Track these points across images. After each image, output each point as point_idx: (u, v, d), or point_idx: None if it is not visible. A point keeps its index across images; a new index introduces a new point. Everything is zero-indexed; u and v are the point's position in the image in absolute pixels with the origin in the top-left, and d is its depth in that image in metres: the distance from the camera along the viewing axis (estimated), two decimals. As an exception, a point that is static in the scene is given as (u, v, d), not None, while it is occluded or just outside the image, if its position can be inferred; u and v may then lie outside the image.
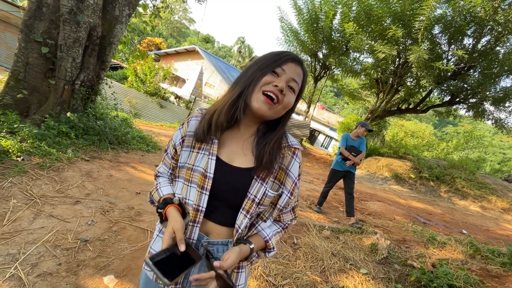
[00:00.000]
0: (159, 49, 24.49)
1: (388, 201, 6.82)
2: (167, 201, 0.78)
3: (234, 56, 45.75)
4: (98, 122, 4.08)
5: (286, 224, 0.89)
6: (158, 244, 0.82)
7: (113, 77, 14.07)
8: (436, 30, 9.43)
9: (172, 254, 0.67)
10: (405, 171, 10.59)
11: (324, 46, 13.15)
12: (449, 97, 11.11)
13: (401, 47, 9.85)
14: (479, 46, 9.21)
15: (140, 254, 2.01)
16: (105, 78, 4.36)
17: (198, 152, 0.77)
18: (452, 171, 10.56)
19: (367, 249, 2.98)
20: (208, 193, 0.73)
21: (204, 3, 7.26)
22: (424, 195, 9.58)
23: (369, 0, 9.72)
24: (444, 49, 9.86)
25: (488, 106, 10.61)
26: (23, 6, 3.65)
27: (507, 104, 10.17)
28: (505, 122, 10.67)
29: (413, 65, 8.90)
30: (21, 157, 2.71)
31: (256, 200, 0.74)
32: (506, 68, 8.79)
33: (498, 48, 8.93)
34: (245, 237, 0.80)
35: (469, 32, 8.96)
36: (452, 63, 9.38)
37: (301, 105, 18.79)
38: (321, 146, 24.88)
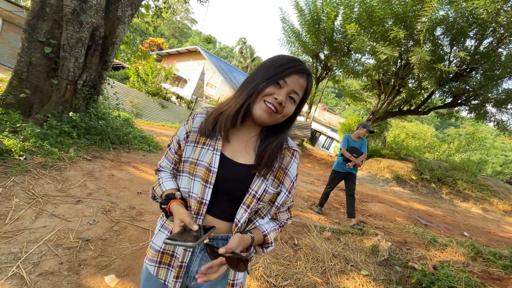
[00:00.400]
0: (161, 49, 24.56)
1: (389, 203, 6.79)
2: (169, 197, 0.80)
3: (235, 57, 45.84)
4: (100, 122, 4.10)
5: (282, 223, 0.93)
6: (159, 239, 0.84)
7: (115, 77, 14.08)
8: (438, 31, 9.42)
9: (185, 231, 0.69)
10: (406, 172, 10.55)
11: (325, 47, 13.12)
12: (451, 99, 11.08)
13: (403, 49, 9.83)
14: (481, 47, 9.18)
15: (141, 253, 2.01)
16: (107, 78, 4.38)
17: (203, 147, 0.80)
18: (454, 173, 10.50)
19: (368, 251, 2.97)
20: (212, 186, 0.76)
21: (206, 4, 7.27)
22: (426, 197, 9.55)
23: (371, 1, 9.71)
24: (446, 50, 9.83)
25: (490, 108, 10.57)
26: (26, 6, 3.68)
27: (509, 106, 10.10)
28: (507, 124, 10.60)
29: (414, 67, 8.88)
30: (24, 156, 2.72)
31: (257, 195, 0.78)
32: (508, 70, 8.74)
33: (500, 50, 8.90)
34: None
35: (471, 34, 8.93)
36: (454, 65, 9.35)
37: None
38: (322, 147, 24.86)
